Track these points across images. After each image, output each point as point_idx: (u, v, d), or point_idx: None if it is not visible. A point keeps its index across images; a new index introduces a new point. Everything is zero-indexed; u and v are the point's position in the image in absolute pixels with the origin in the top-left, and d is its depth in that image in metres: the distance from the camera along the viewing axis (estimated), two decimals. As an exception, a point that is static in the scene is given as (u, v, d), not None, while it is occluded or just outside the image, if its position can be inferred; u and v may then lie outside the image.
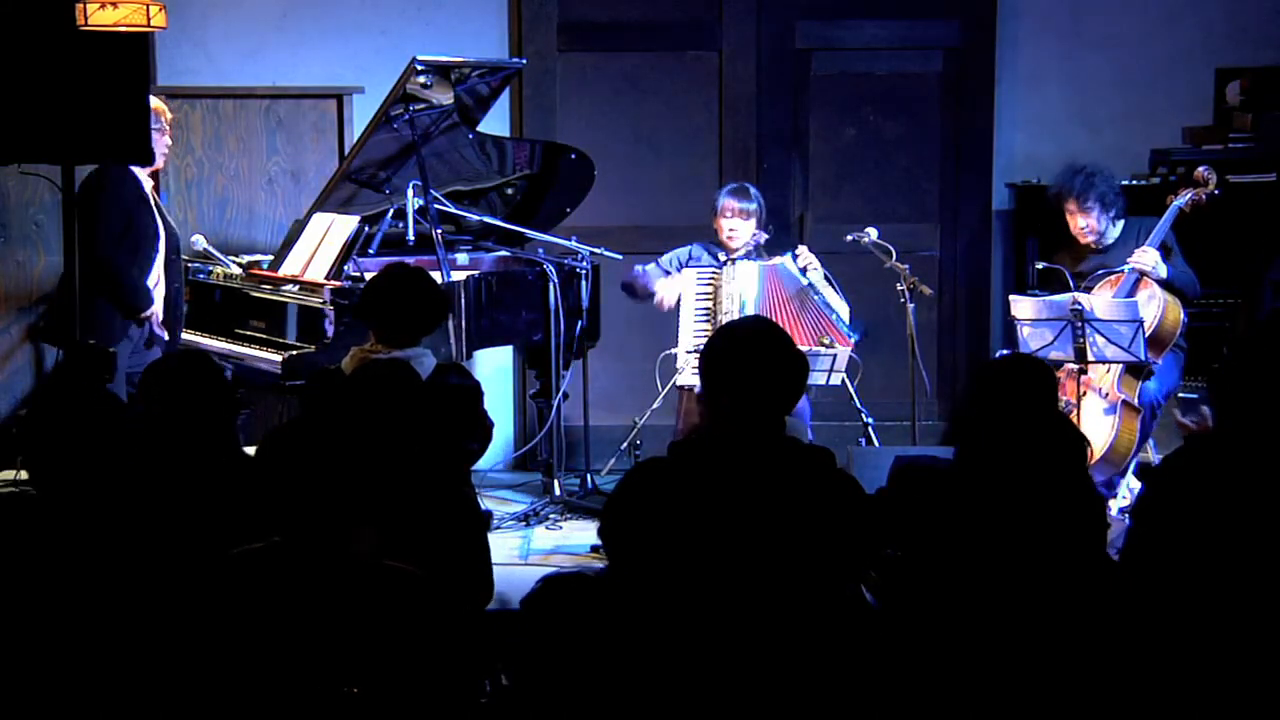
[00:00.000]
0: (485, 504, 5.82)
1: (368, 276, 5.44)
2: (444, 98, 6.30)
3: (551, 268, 6.30)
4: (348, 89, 7.08)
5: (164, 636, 3.08)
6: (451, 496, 4.05)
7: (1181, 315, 6.02)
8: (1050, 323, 5.86)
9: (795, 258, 6.20)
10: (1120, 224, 6.26)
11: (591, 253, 6.43)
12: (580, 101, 7.29)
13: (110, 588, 3.18)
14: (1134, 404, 5.97)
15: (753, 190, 6.32)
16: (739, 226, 6.25)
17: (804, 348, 5.70)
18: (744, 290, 6.13)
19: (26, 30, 4.93)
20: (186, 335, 6.31)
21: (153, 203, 6.13)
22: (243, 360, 6.05)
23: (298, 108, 7.11)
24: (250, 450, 3.85)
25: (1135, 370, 5.98)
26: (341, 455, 3.08)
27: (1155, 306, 5.96)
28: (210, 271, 6.43)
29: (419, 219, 6.17)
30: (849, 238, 6.40)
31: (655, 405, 6.36)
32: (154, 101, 5.69)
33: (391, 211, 6.34)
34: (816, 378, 5.95)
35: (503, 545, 5.80)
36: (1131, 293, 5.99)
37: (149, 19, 5.45)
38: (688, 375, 6.08)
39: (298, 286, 6.06)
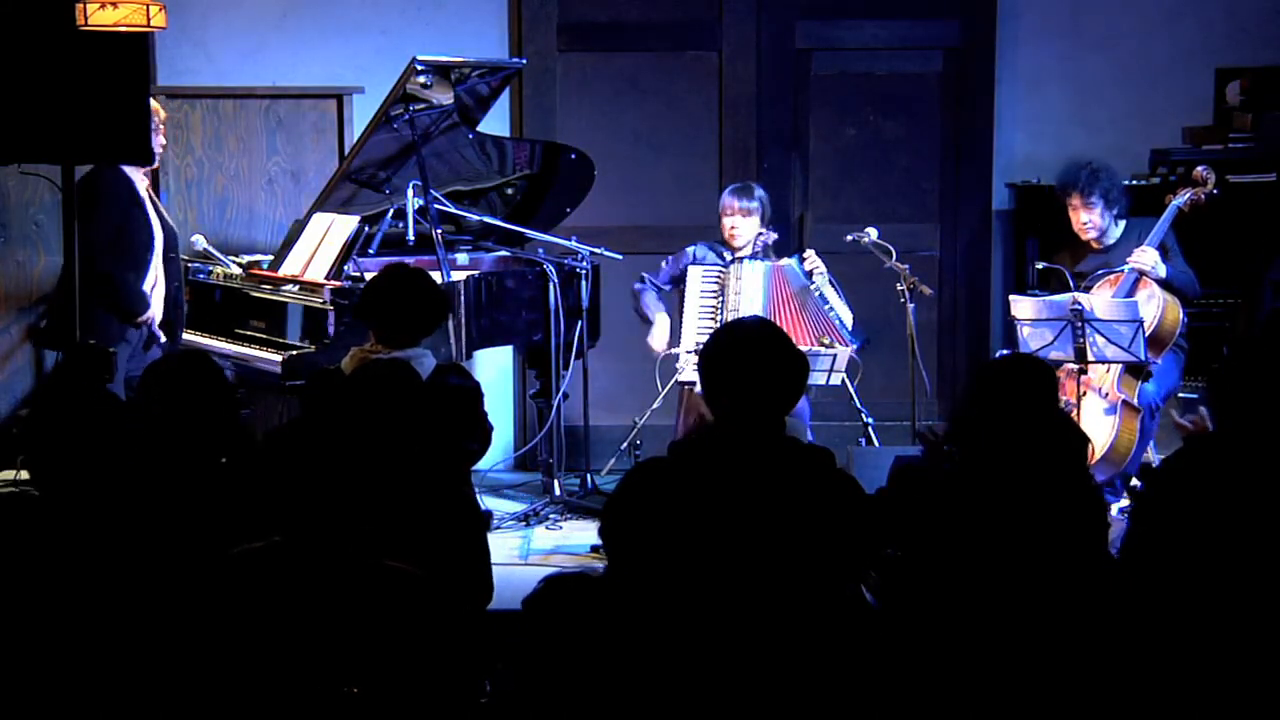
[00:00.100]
0: (485, 504, 5.82)
1: (368, 276, 5.44)
2: (444, 98, 6.30)
3: (551, 268, 6.30)
4: (348, 89, 7.08)
5: (165, 636, 3.08)
6: (451, 497, 4.06)
7: (1181, 315, 6.02)
8: (1050, 323, 5.86)
9: (802, 260, 6.20)
10: (1122, 224, 6.26)
11: (591, 253, 6.43)
12: (580, 101, 7.29)
13: (111, 587, 3.18)
14: (1134, 404, 5.98)
15: (756, 189, 6.32)
16: (740, 225, 6.25)
17: (804, 347, 5.71)
18: (750, 289, 6.13)
19: (26, 30, 4.93)
20: (186, 335, 6.31)
21: (147, 203, 6.12)
22: (243, 360, 6.04)
23: (298, 108, 7.11)
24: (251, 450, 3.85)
25: (1135, 370, 5.98)
26: (341, 455, 3.08)
27: (1155, 306, 5.97)
28: (210, 271, 6.43)
29: (419, 219, 6.17)
30: (849, 238, 6.40)
31: (655, 405, 6.36)
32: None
33: (391, 211, 6.34)
34: (816, 378, 5.95)
35: (503, 545, 5.80)
36: (1131, 292, 6.00)
37: (149, 19, 5.45)
38: (689, 372, 6.08)
39: (298, 286, 6.06)
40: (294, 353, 5.85)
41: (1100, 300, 5.88)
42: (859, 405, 6.33)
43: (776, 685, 3.07)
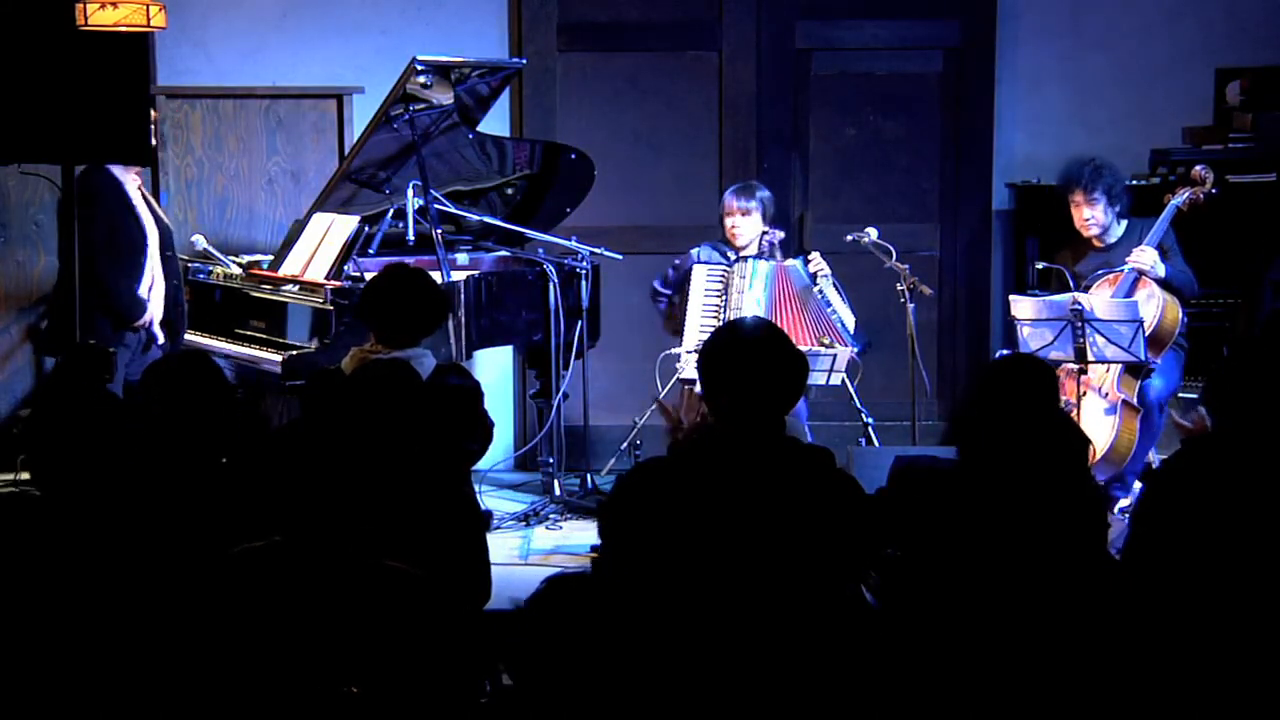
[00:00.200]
0: (485, 504, 5.82)
1: (368, 276, 5.44)
2: (444, 98, 6.30)
3: (551, 268, 6.30)
4: (348, 89, 7.08)
5: (165, 636, 3.08)
6: (451, 496, 4.06)
7: (1180, 314, 6.02)
8: (1050, 323, 5.86)
9: (807, 262, 6.21)
10: (1124, 224, 6.27)
11: (591, 253, 6.43)
12: (580, 101, 7.29)
13: (112, 587, 3.18)
14: (1134, 404, 5.98)
15: (757, 189, 6.32)
16: (741, 224, 6.26)
17: (804, 347, 5.71)
18: (754, 287, 6.14)
19: (26, 30, 4.94)
20: (187, 335, 6.31)
21: (139, 203, 6.10)
22: (243, 360, 6.04)
23: (298, 108, 7.12)
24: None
25: (1134, 370, 5.98)
26: (342, 455, 3.08)
27: (1154, 306, 5.97)
28: (210, 271, 6.43)
29: (419, 219, 6.17)
30: (849, 238, 6.40)
31: (654, 406, 6.36)
32: None
33: (391, 211, 6.34)
34: (816, 378, 5.95)
35: (503, 545, 5.80)
36: (1130, 292, 6.00)
37: (149, 19, 5.45)
38: (691, 371, 6.08)
39: (298, 286, 6.06)
40: (294, 353, 5.85)
41: (1100, 300, 5.88)
42: (859, 405, 6.33)
43: (777, 685, 3.07)
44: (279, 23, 7.11)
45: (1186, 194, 6.15)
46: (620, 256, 6.60)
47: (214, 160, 7.12)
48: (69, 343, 5.62)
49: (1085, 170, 6.15)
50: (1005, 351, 6.08)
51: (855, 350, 6.13)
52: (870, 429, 6.33)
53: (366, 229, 6.21)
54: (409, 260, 5.67)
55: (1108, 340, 5.77)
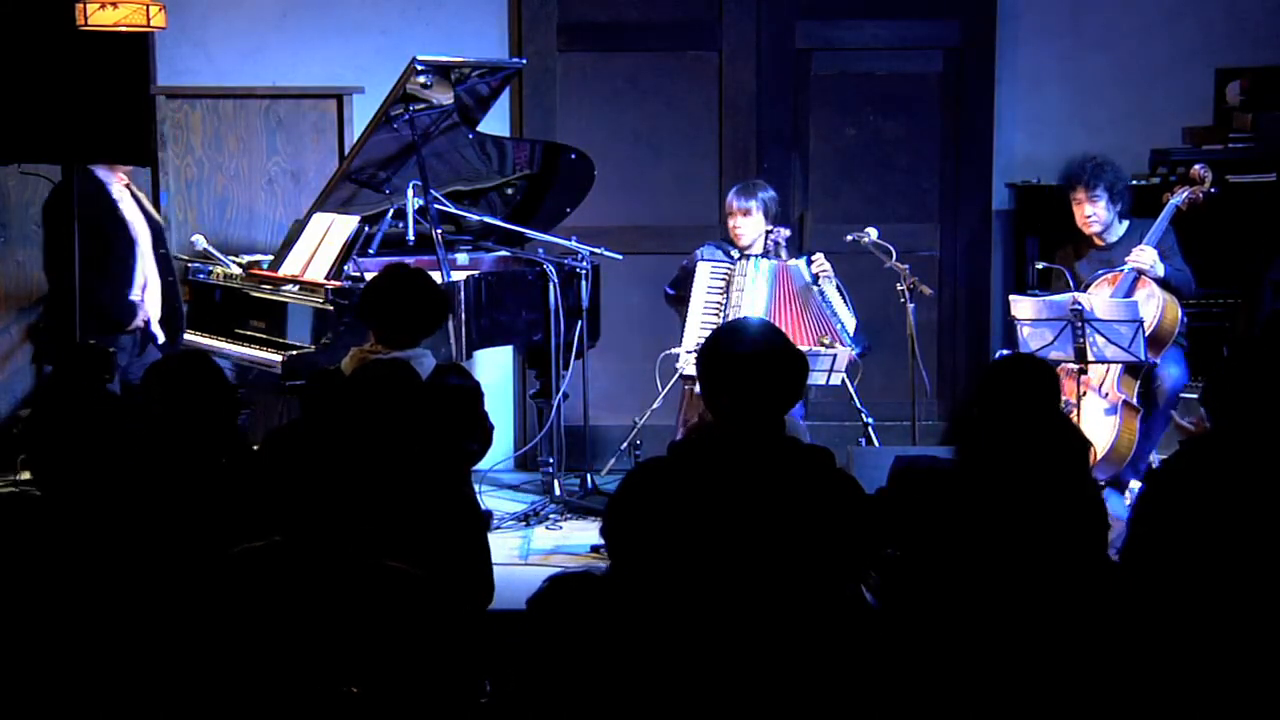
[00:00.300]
0: (485, 504, 5.82)
1: (368, 276, 5.44)
2: (444, 98, 6.30)
3: (551, 268, 6.30)
4: (348, 89, 7.08)
5: (166, 636, 3.08)
6: (451, 496, 4.06)
7: (1180, 314, 6.03)
8: (1050, 323, 5.86)
9: (810, 263, 6.21)
10: (1125, 224, 6.28)
11: (591, 253, 6.43)
12: (580, 101, 7.29)
13: (112, 587, 3.18)
14: (1134, 404, 5.98)
15: (759, 188, 6.31)
16: (742, 224, 6.27)
17: (804, 347, 5.71)
18: (755, 286, 6.14)
19: (26, 30, 4.94)
20: (186, 335, 6.31)
21: (126, 203, 6.07)
22: (243, 360, 6.04)
23: (298, 108, 7.12)
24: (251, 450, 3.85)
25: (1134, 370, 5.99)
26: (341, 455, 3.08)
27: (1154, 306, 5.97)
28: (210, 271, 6.43)
29: (419, 219, 6.17)
30: (849, 238, 6.40)
31: (655, 405, 6.36)
32: None
33: (391, 211, 6.34)
34: (816, 378, 5.96)
35: (503, 545, 5.80)
36: (1130, 292, 6.00)
37: (149, 19, 5.45)
38: (691, 369, 6.08)
39: (298, 286, 6.06)
40: (294, 353, 5.85)
41: (1100, 300, 5.88)
42: (859, 405, 6.33)
43: (777, 685, 3.07)
44: (279, 23, 7.11)
45: (1186, 193, 6.15)
46: (620, 256, 6.60)
47: (214, 160, 7.12)
48: (64, 348, 5.62)
49: (1087, 167, 6.17)
50: (1005, 351, 6.08)
51: (855, 352, 6.14)
52: (870, 429, 6.33)
53: (366, 229, 6.21)
54: (409, 260, 5.67)
55: (1108, 340, 5.78)
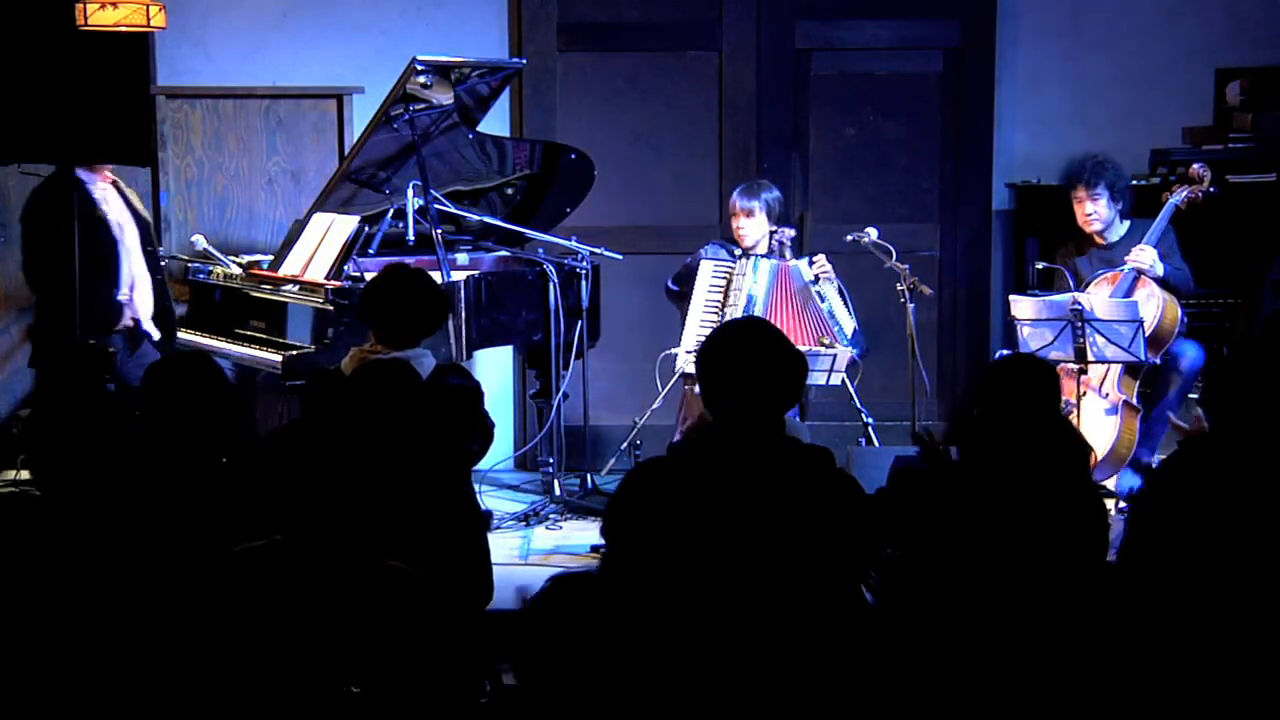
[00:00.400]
0: (485, 504, 5.82)
1: (368, 276, 5.44)
2: (444, 98, 6.30)
3: (551, 268, 6.30)
4: (348, 89, 7.08)
5: (166, 635, 3.08)
6: (451, 496, 4.06)
7: (1180, 313, 6.04)
8: (1050, 323, 5.86)
9: (811, 264, 6.21)
10: (1126, 224, 6.28)
11: (591, 253, 6.42)
12: (580, 101, 7.29)
13: (112, 587, 3.18)
14: (1134, 404, 5.98)
15: (762, 189, 6.32)
16: (745, 225, 6.28)
17: (804, 347, 5.72)
18: (755, 285, 6.14)
19: (26, 30, 4.94)
20: (186, 335, 6.31)
21: (109, 202, 6.04)
22: (243, 360, 6.04)
23: (298, 108, 7.12)
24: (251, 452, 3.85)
25: (1134, 370, 5.99)
26: (342, 455, 3.08)
27: (1154, 305, 5.97)
28: (210, 271, 6.43)
29: (419, 219, 6.17)
30: (849, 238, 6.40)
31: (655, 405, 6.36)
32: None
33: (391, 211, 6.33)
34: (816, 378, 5.96)
35: (503, 545, 5.80)
36: (1129, 292, 6.01)
37: (149, 19, 5.45)
38: (692, 366, 6.08)
39: (298, 286, 6.05)
40: (294, 353, 5.84)
41: (1100, 300, 5.88)
42: (859, 405, 6.33)
43: (777, 685, 3.07)
44: (279, 23, 7.11)
45: (1185, 192, 6.16)
46: (620, 256, 6.60)
47: (214, 160, 7.12)
48: (61, 349, 5.62)
49: (1087, 165, 6.18)
50: (1005, 351, 6.08)
51: (854, 353, 6.14)
52: (870, 429, 6.33)
53: (366, 229, 6.21)
54: (409, 260, 5.67)
55: (1108, 340, 5.78)
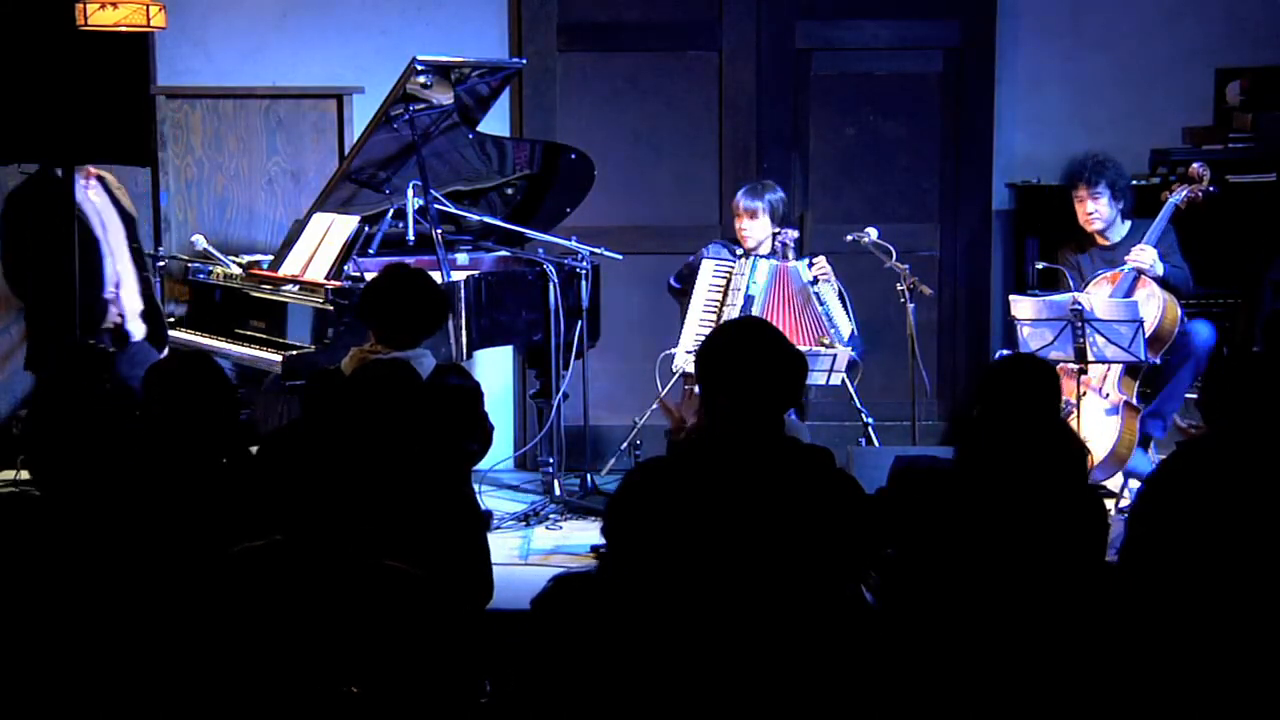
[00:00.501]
0: (485, 504, 5.82)
1: (368, 276, 5.44)
2: (444, 98, 6.30)
3: (551, 268, 6.30)
4: (348, 89, 7.08)
5: (165, 636, 3.08)
6: (451, 496, 4.06)
7: (1180, 313, 6.04)
8: (1050, 323, 5.87)
9: (811, 265, 6.21)
10: (1127, 224, 6.29)
11: (591, 253, 6.42)
12: (580, 101, 7.29)
13: (112, 587, 3.18)
14: (1134, 404, 5.99)
15: (766, 190, 6.33)
16: (749, 226, 6.29)
17: (804, 347, 5.72)
18: (754, 285, 6.14)
19: (26, 30, 4.93)
20: (186, 335, 6.31)
21: (93, 201, 6.02)
22: (243, 360, 6.04)
23: (298, 108, 7.12)
24: (251, 450, 3.85)
25: (1134, 371, 5.99)
26: (341, 455, 3.08)
27: (1155, 305, 5.98)
28: (210, 271, 6.43)
29: (419, 219, 6.17)
30: (849, 238, 6.41)
31: (655, 405, 6.36)
32: None
33: (391, 211, 6.34)
34: (816, 378, 5.96)
35: (503, 545, 5.80)
36: (1130, 291, 6.01)
37: (149, 19, 5.45)
38: (690, 367, 6.08)
39: (298, 286, 6.06)
40: (294, 353, 5.84)
41: (1100, 300, 5.89)
42: (859, 405, 6.33)
43: (777, 685, 3.07)
44: (279, 23, 7.11)
45: (1185, 192, 6.16)
46: (620, 256, 6.60)
47: (214, 160, 7.12)
48: (59, 350, 5.61)
49: (1088, 164, 6.19)
50: (1005, 351, 6.08)
51: (852, 354, 6.14)
52: (870, 429, 6.33)
53: (366, 229, 6.21)
54: (409, 260, 5.67)
55: (1108, 340, 5.78)
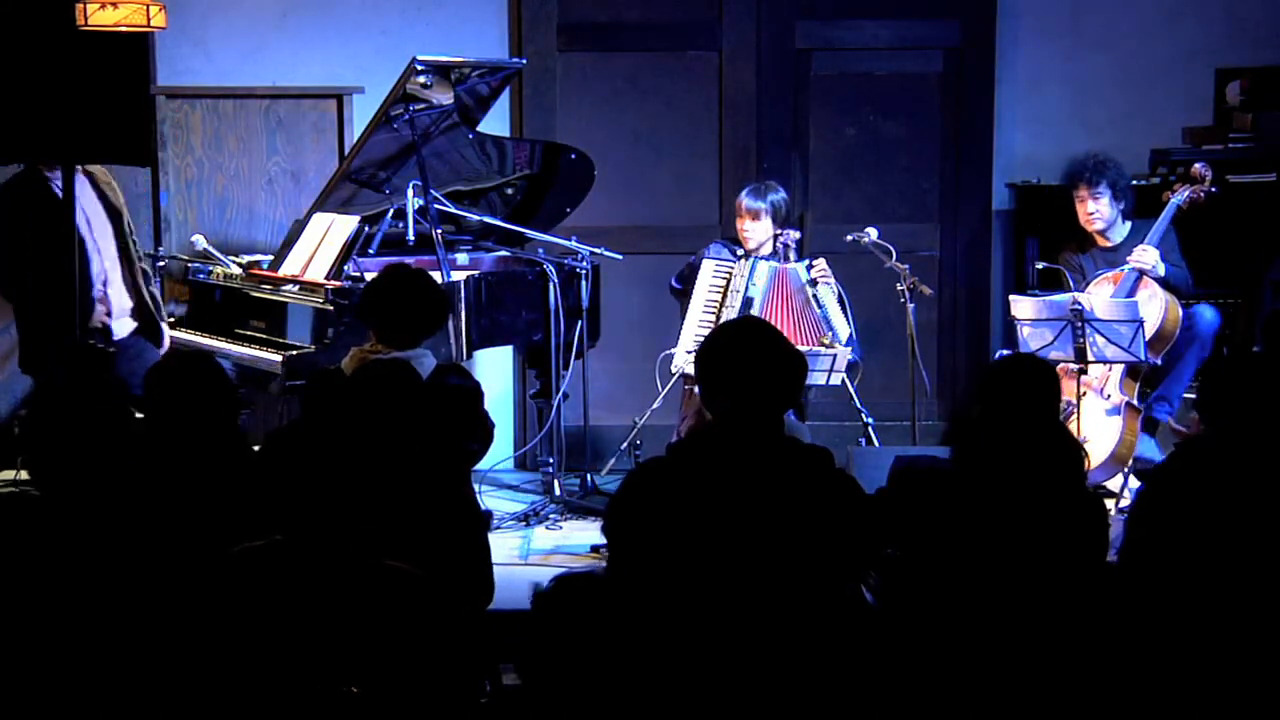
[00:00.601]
0: (485, 504, 5.82)
1: (368, 276, 5.44)
2: (444, 98, 6.30)
3: (551, 268, 6.30)
4: (348, 89, 7.08)
5: (166, 636, 3.08)
6: (451, 496, 4.06)
7: (1181, 313, 6.05)
8: (1050, 323, 5.87)
9: (810, 267, 6.21)
10: (1128, 225, 6.29)
11: (591, 253, 6.42)
12: (580, 101, 7.29)
13: (112, 587, 3.18)
14: (1136, 405, 5.99)
15: (769, 191, 6.32)
16: (750, 227, 6.30)
17: (803, 348, 5.71)
18: (753, 287, 6.15)
19: (26, 30, 4.93)
20: (186, 335, 6.30)
21: (80, 197, 5.99)
22: (243, 360, 6.04)
23: (298, 108, 7.11)
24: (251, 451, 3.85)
25: (1135, 372, 5.99)
26: (342, 455, 3.08)
27: (1157, 306, 5.98)
28: (210, 271, 6.43)
29: (419, 219, 6.17)
30: (849, 238, 6.41)
31: (655, 405, 6.36)
32: None
33: (391, 211, 6.33)
34: (816, 378, 5.96)
35: (503, 545, 5.80)
36: (1132, 292, 6.01)
37: (149, 19, 5.45)
38: (690, 366, 6.08)
39: (298, 286, 6.05)
40: (294, 353, 5.84)
41: (1100, 300, 5.89)
42: (859, 405, 6.33)
43: (777, 685, 3.07)
44: (279, 23, 7.11)
45: (1187, 192, 6.17)
46: (620, 256, 6.60)
47: (214, 160, 7.12)
48: (43, 355, 5.61)
49: (1089, 164, 6.20)
50: (1005, 351, 6.08)
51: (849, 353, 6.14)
52: (870, 429, 6.33)
53: (366, 229, 6.21)
54: (409, 260, 5.67)
55: (1108, 340, 5.78)
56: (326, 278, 5.96)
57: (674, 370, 6.24)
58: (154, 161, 6.75)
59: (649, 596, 2.95)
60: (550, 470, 6.51)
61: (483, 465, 6.01)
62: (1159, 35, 7.25)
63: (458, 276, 6.06)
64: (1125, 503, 5.82)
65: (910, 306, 6.23)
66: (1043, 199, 6.96)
